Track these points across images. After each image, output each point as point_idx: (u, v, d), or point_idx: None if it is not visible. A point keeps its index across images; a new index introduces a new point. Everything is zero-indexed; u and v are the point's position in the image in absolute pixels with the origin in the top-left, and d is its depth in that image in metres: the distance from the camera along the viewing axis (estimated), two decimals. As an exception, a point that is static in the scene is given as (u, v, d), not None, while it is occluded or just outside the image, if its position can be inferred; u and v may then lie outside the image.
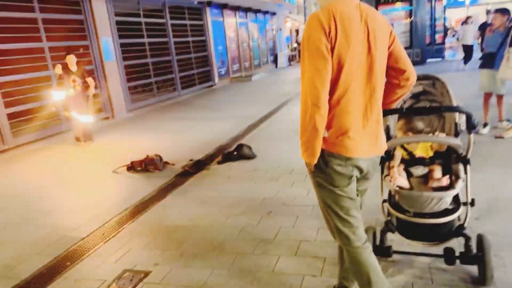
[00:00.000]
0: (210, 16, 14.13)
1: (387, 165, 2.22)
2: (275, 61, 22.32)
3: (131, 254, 2.88)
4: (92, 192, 4.37)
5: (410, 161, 2.23)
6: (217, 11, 14.90)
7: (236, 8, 16.37)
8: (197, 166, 4.86)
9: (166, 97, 11.26)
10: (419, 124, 2.26)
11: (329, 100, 1.56)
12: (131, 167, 4.93)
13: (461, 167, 2.09)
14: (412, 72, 1.71)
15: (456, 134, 2.13)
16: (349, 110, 1.58)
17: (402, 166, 2.22)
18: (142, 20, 10.27)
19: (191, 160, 5.05)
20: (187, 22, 12.73)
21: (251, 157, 5.04)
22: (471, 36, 11.59)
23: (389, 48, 1.65)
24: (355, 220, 1.72)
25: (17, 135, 6.79)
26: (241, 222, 3.22)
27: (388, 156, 2.22)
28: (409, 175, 2.21)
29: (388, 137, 2.31)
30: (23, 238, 3.32)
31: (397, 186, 2.08)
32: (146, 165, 4.87)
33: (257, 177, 4.29)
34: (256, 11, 18.80)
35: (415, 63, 3.24)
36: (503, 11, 4.98)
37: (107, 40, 8.80)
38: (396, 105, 2.36)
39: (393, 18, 14.83)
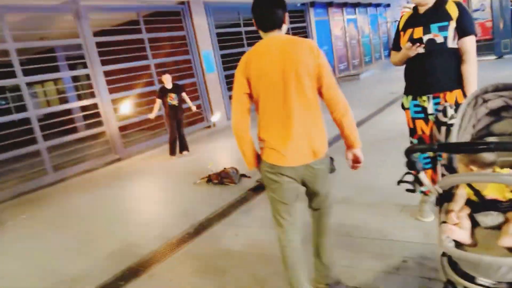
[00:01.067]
0: (313, 16, 13.77)
1: (445, 208, 1.67)
2: (389, 55, 20.64)
3: (176, 280, 2.84)
4: (168, 205, 4.55)
5: (478, 205, 1.63)
6: (322, 11, 14.42)
7: (343, 5, 15.62)
8: (272, 180, 4.65)
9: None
10: (488, 155, 1.62)
11: (258, 118, 2.01)
12: (209, 180, 5.00)
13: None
14: (338, 101, 1.97)
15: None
16: (269, 126, 1.97)
17: (466, 211, 1.63)
18: (242, 29, 10.53)
19: (268, 173, 4.87)
20: (289, 26, 12.61)
21: (330, 172, 4.59)
22: None
23: (317, 75, 1.90)
24: (285, 222, 2.11)
25: (127, 146, 7.61)
26: (295, 252, 2.89)
27: (446, 196, 1.66)
28: (475, 224, 1.61)
29: (451, 170, 1.74)
30: (91, 250, 3.60)
31: (453, 240, 1.53)
32: (222, 178, 4.87)
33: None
34: (367, 5, 17.65)
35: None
36: None
37: (207, 53, 9.25)
38: (464, 124, 1.78)
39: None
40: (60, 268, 3.36)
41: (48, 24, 7.67)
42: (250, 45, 10.73)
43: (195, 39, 8.99)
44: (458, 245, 1.53)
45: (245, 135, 2.01)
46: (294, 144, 1.92)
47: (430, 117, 2.69)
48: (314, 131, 1.97)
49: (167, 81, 6.62)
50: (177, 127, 6.72)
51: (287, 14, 2.00)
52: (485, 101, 1.77)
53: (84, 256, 3.52)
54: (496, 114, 1.77)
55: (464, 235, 1.54)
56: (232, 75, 8.94)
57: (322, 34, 14.36)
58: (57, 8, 6.61)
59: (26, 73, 6.16)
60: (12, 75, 5.99)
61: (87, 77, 7.19)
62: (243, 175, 4.97)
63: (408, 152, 1.56)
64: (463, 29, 2.48)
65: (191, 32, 8.95)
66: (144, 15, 8.25)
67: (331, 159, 4.56)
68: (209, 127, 9.27)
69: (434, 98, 2.64)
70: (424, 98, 2.68)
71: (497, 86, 1.72)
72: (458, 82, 2.55)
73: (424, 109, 2.71)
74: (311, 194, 2.15)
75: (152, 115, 6.69)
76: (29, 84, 13.96)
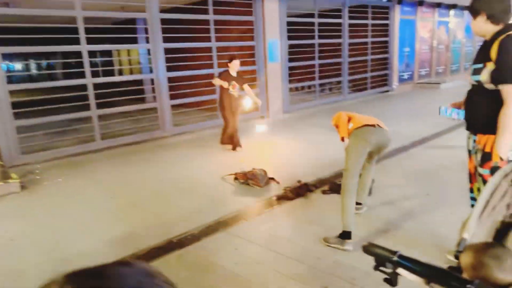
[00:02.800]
0: (399, 14, 12.66)
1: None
2: (483, 67, 18.52)
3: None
4: (188, 195, 4.42)
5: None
6: (410, 9, 13.19)
7: (436, 5, 14.14)
8: (298, 191, 4.31)
9: (328, 100, 10.76)
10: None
11: None
12: (236, 178, 4.78)
13: None
14: None
15: None
16: None
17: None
18: (316, 20, 9.98)
19: (298, 181, 4.52)
20: (369, 21, 11.73)
21: (362, 194, 4.11)
22: None
23: None
24: None
25: (177, 125, 7.68)
26: (289, 287, 2.58)
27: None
28: None
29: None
30: (95, 230, 3.60)
31: None
32: (248, 179, 4.62)
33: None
34: (465, 8, 15.81)
35: None
36: None
37: (273, 42, 8.92)
38: (494, 201, 1.32)
39: None
40: (63, 246, 3.40)
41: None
42: (321, 37, 10.18)
43: (263, 26, 8.69)
44: None
45: None
46: None
47: (472, 155, 2.47)
48: None
49: (235, 67, 6.00)
50: (234, 118, 6.04)
51: None
52: (529, 176, 1.28)
53: (89, 234, 3.54)
54: (542, 197, 1.27)
55: None
56: (298, 67, 8.65)
57: (406, 34, 13.17)
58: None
59: (89, 41, 6.38)
60: (78, 41, 6.25)
61: (148, 52, 7.31)
62: (272, 179, 4.68)
63: (365, 251, 1.18)
64: (496, 76, 2.13)
65: (260, 19, 8.66)
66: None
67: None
68: (262, 117, 9.04)
69: (474, 135, 2.44)
70: (468, 133, 2.53)
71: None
72: (494, 126, 2.18)
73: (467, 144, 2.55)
74: None
75: (215, 81, 5.96)
76: (103, 53, 14.92)
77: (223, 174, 4.98)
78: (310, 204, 4.04)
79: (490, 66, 2.14)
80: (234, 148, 6.24)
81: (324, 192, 4.29)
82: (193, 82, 7.85)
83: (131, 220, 3.82)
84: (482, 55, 2.24)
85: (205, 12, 7.91)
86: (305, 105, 10.13)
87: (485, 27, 2.22)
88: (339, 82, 11.18)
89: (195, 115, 8.23)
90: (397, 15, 12.59)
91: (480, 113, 2.30)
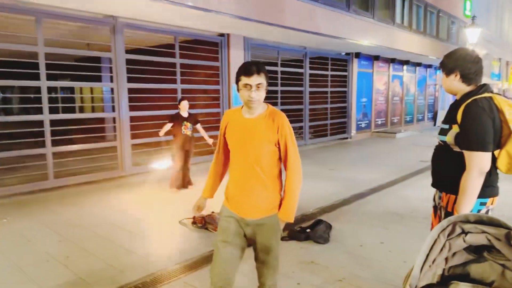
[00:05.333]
0: (357, 67, 13.51)
1: None
2: (433, 118, 19.86)
3: None
4: (140, 241, 4.25)
5: None
6: (367, 63, 14.14)
7: (390, 60, 15.26)
8: (257, 237, 4.27)
9: (291, 145, 11.00)
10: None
11: None
12: (194, 222, 4.68)
13: None
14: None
15: None
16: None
17: None
18: (279, 69, 10.43)
19: (257, 227, 4.49)
20: (329, 72, 12.42)
21: (319, 241, 4.15)
22: None
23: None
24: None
25: (136, 165, 7.51)
26: None
27: None
28: None
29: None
30: (37, 277, 3.35)
31: None
32: (206, 223, 4.54)
33: (307, 277, 3.41)
34: (417, 64, 17.17)
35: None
36: None
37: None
38: (433, 256, 1.38)
39: None
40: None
41: (84, 34, 7.88)
42: (284, 85, 10.60)
43: (228, 71, 8.96)
44: None
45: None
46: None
47: (438, 210, 2.38)
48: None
49: (184, 108, 6.33)
50: (184, 159, 6.35)
51: None
52: (464, 232, 1.37)
53: (29, 283, 3.28)
54: (476, 252, 1.35)
55: None
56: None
57: (363, 86, 14.02)
58: (95, 20, 6.78)
59: (50, 77, 6.26)
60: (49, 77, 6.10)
61: (112, 91, 7.26)
62: (230, 224, 4.62)
63: None
64: (460, 141, 2.11)
65: (225, 64, 8.94)
66: (181, 40, 8.34)
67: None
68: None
69: (439, 191, 2.36)
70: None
71: (481, 218, 1.32)
72: (457, 187, 2.13)
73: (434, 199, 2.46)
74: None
75: (161, 133, 6.31)
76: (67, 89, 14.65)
77: (180, 218, 4.86)
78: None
79: (455, 129, 2.13)
80: (184, 186, 6.43)
81: (283, 238, 4.28)
82: (156, 122, 7.81)
83: (78, 266, 3.59)
84: (449, 116, 2.23)
85: (172, 55, 8.07)
86: (268, 149, 10.28)
87: (457, 85, 2.22)
88: (300, 128, 11.53)
89: (156, 155, 8.11)
90: (355, 67, 13.43)
91: (444, 172, 2.28)
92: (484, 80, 2.33)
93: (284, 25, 8.45)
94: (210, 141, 6.52)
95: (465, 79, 2.17)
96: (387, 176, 7.38)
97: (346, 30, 10.59)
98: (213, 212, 4.67)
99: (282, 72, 10.56)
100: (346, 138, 13.30)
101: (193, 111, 6.98)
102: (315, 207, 5.40)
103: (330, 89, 12.61)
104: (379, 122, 15.27)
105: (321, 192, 6.18)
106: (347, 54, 13.05)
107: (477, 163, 2.00)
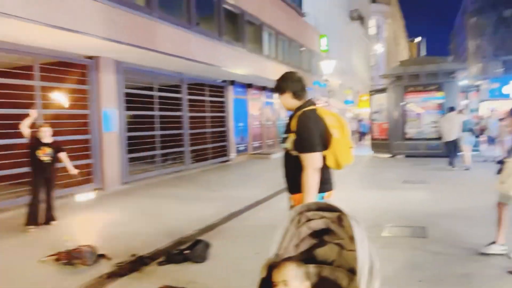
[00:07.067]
0: (233, 94, 14.17)
1: None
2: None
3: None
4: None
5: None
6: (242, 90, 14.96)
7: (262, 88, 16.43)
8: (132, 266, 4.03)
9: (171, 170, 10.80)
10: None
11: None
12: (58, 259, 4.18)
13: None
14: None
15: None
16: None
17: None
18: (156, 93, 10.27)
19: (133, 255, 4.24)
20: (207, 98, 12.73)
21: (198, 261, 4.13)
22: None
23: None
24: None
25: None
26: None
27: None
28: None
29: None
30: None
31: None
32: (72, 258, 4.10)
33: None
34: (274, 89, 18.78)
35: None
36: None
37: (108, 111, 8.68)
38: (285, 244, 1.51)
39: (423, 107, 14.06)
40: None
41: None
42: (162, 109, 10.45)
43: (98, 95, 8.44)
44: None
45: None
46: None
47: None
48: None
49: (45, 134, 5.71)
50: (44, 190, 5.68)
51: None
52: (308, 219, 1.55)
53: None
54: (318, 237, 1.54)
55: None
56: (139, 137, 8.48)
57: (240, 111, 14.72)
58: None
59: None
60: None
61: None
62: (102, 255, 4.26)
63: None
64: (296, 145, 2.53)
65: (95, 88, 8.41)
66: (41, 62, 7.57)
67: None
68: (96, 189, 8.36)
69: (290, 193, 2.72)
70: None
71: (320, 205, 1.51)
72: (300, 186, 2.52)
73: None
74: None
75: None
76: None
77: (41, 257, 4.28)
78: (144, 279, 3.81)
79: (292, 136, 2.55)
80: (46, 222, 5.73)
81: (160, 263, 4.13)
82: (10, 152, 6.84)
83: None
84: (288, 126, 2.65)
85: (31, 77, 7.26)
86: (147, 175, 9.90)
87: (290, 102, 2.68)
88: (181, 152, 11.43)
89: (11, 190, 7.04)
90: (231, 94, 14.07)
91: (289, 175, 2.66)
92: (340, 106, 2.94)
93: (157, 50, 8.43)
94: (75, 171, 6.09)
95: (295, 95, 2.65)
96: (264, 192, 7.79)
97: (221, 58, 11.08)
98: (80, 246, 4.24)
99: (160, 97, 10.41)
100: (227, 160, 13.66)
101: (59, 138, 6.33)
102: (195, 229, 5.36)
103: (209, 114, 12.90)
104: (256, 145, 16.13)
105: (201, 214, 6.17)
106: (224, 81, 13.60)
107: (310, 162, 2.42)
